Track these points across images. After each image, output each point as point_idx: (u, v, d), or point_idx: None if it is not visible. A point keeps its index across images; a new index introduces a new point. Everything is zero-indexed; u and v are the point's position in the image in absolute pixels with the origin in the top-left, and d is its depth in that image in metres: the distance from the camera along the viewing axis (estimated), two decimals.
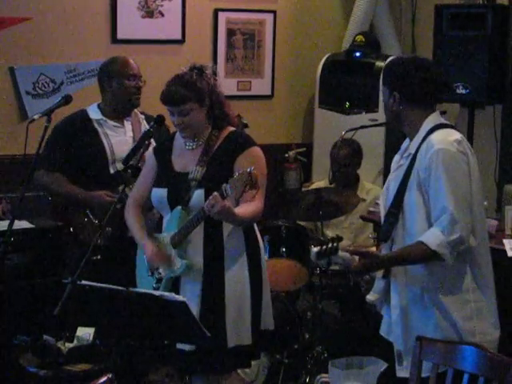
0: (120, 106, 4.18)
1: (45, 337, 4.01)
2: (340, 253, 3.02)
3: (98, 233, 3.41)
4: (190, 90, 3.37)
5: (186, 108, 3.37)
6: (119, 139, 4.13)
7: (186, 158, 3.49)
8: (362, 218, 4.98)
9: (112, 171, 4.10)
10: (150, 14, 5.54)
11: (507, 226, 4.41)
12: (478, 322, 3.06)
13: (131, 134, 4.16)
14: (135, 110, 4.25)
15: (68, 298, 2.96)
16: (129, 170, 3.98)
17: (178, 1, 5.63)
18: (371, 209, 4.95)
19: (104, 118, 4.17)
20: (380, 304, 3.25)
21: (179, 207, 3.41)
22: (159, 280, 3.48)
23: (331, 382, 2.87)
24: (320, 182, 5.35)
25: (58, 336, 4.04)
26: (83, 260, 3.14)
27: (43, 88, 5.22)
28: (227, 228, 3.41)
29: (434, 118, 3.11)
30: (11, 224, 3.59)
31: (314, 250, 3.03)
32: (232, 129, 3.52)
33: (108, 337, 3.98)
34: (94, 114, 4.18)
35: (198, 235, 3.39)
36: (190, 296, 3.38)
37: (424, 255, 2.98)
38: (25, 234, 4.49)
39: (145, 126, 4.20)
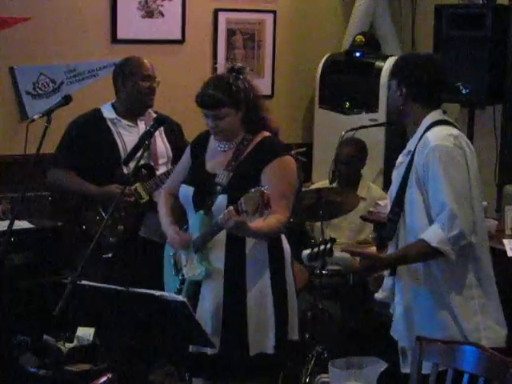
0: (134, 106, 4.18)
1: (45, 337, 4.01)
2: (337, 254, 3.00)
3: (107, 229, 3.41)
4: (227, 95, 3.27)
5: (221, 112, 3.28)
6: (132, 138, 4.08)
7: (216, 159, 3.43)
8: (362, 218, 4.97)
9: (125, 171, 4.09)
10: (150, 14, 5.54)
11: (507, 226, 4.41)
12: (482, 318, 3.05)
13: None
14: (149, 110, 4.25)
15: (68, 297, 2.96)
16: (142, 170, 4.00)
17: (178, 1, 5.63)
18: (371, 209, 4.95)
19: (118, 118, 4.18)
20: (390, 302, 3.25)
21: (202, 212, 3.35)
22: (182, 282, 3.45)
23: (331, 381, 2.87)
24: (319, 183, 5.34)
25: (58, 336, 4.04)
26: (85, 257, 3.13)
27: (43, 88, 5.22)
28: None
29: (434, 115, 3.11)
30: (11, 224, 3.59)
31: (305, 252, 2.99)
32: (266, 134, 3.41)
33: (108, 337, 3.98)
34: (108, 113, 4.19)
35: (220, 240, 3.33)
36: (211, 301, 3.36)
37: (426, 253, 2.98)
38: (25, 234, 4.50)
39: None
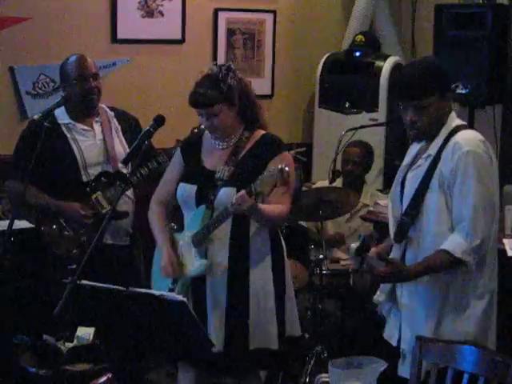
0: (78, 108, 4.05)
1: (45, 337, 4.00)
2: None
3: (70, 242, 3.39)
4: (219, 91, 3.30)
5: (214, 110, 3.30)
6: (89, 143, 4.03)
7: (216, 157, 3.45)
8: (362, 217, 4.98)
9: (84, 178, 4.01)
10: (150, 14, 5.54)
11: (507, 226, 4.41)
12: (475, 328, 3.05)
13: (101, 137, 4.05)
14: (104, 108, 4.14)
15: (68, 297, 2.96)
16: (102, 178, 3.93)
17: (178, 1, 5.63)
18: (371, 208, 4.96)
19: (72, 122, 4.05)
20: (387, 304, 3.24)
21: (203, 206, 3.37)
22: (175, 281, 3.45)
23: (331, 381, 2.86)
24: (323, 181, 5.33)
25: (58, 336, 4.04)
26: (82, 262, 3.11)
27: (43, 88, 5.22)
28: (254, 228, 3.38)
29: (454, 118, 3.10)
30: (11, 224, 3.59)
31: (353, 245, 3.05)
32: (263, 132, 3.46)
33: (108, 337, 3.98)
34: (62, 117, 4.05)
35: (224, 234, 3.35)
36: (217, 295, 3.38)
37: (449, 264, 2.97)
38: (25, 234, 4.49)
39: (115, 124, 4.11)
